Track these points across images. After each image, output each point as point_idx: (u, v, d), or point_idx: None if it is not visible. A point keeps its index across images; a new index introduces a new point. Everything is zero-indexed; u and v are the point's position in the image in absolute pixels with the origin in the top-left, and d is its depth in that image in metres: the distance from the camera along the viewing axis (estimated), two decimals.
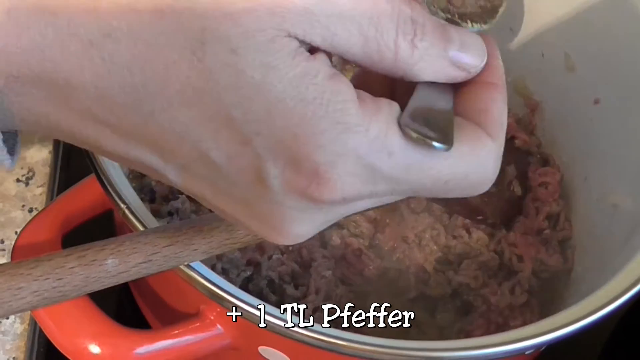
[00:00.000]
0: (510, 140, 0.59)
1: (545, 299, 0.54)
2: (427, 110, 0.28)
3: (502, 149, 0.30)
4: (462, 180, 0.29)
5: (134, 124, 0.27)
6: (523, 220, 0.56)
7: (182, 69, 0.26)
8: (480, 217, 0.55)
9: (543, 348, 0.46)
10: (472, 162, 0.29)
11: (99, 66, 0.26)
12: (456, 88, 0.30)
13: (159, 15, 0.26)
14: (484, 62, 0.30)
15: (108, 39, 0.26)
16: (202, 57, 0.26)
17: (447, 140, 0.27)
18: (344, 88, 0.27)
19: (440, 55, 0.28)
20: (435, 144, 0.27)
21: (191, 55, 0.26)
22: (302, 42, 0.26)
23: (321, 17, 0.26)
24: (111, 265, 0.30)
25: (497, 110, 0.30)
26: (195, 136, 0.27)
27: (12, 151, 0.29)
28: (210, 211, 0.31)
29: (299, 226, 0.29)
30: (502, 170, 0.56)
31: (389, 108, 0.28)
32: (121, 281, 0.31)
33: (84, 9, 0.26)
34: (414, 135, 0.27)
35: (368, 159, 0.27)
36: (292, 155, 0.27)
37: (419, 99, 0.28)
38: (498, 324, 0.52)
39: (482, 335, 0.49)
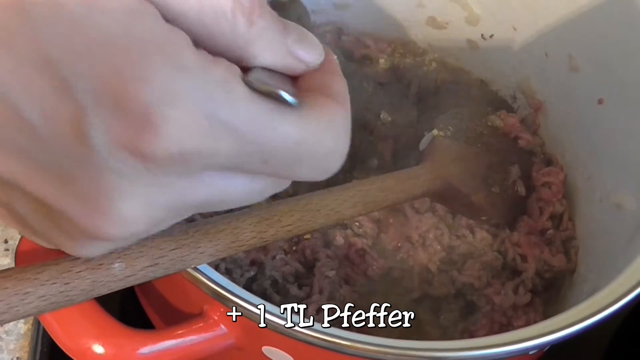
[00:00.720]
0: (513, 140, 0.59)
1: (549, 299, 0.54)
2: (272, 76, 0.27)
3: (350, 120, 0.29)
4: (315, 146, 0.27)
5: None
6: (527, 220, 0.57)
7: None
8: (484, 217, 0.55)
9: (547, 348, 0.46)
10: (324, 125, 0.27)
11: None
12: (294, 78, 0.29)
13: None
14: (323, 58, 0.29)
15: None
16: None
17: (296, 95, 0.26)
18: (180, 33, 0.25)
19: (279, 41, 0.27)
20: (285, 95, 0.26)
21: None
22: None
23: None
24: (118, 269, 0.30)
25: (340, 86, 0.29)
26: (4, 89, 0.23)
27: None
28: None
29: (129, 204, 0.25)
30: (506, 170, 0.57)
31: (230, 64, 0.26)
32: (128, 285, 0.31)
33: None
34: (263, 86, 0.26)
35: (207, 103, 0.24)
36: (118, 99, 0.23)
37: (257, 73, 0.27)
38: (502, 324, 0.52)
39: (485, 335, 0.49)
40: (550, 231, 0.57)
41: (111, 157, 0.24)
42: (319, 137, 0.27)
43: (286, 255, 0.52)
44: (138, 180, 0.25)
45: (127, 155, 0.24)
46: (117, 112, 0.23)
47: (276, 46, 0.27)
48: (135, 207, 0.25)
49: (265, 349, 0.42)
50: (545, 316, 0.52)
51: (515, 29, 0.61)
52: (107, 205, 0.25)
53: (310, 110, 0.27)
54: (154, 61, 0.24)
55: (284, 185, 0.30)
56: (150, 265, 0.31)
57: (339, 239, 0.53)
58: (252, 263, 0.51)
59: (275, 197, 0.51)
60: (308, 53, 0.28)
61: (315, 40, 0.29)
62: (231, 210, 0.33)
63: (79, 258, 0.29)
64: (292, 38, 0.28)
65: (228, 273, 0.50)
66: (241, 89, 0.25)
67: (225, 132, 0.25)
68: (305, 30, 0.29)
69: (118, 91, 0.23)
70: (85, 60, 0.23)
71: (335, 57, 0.30)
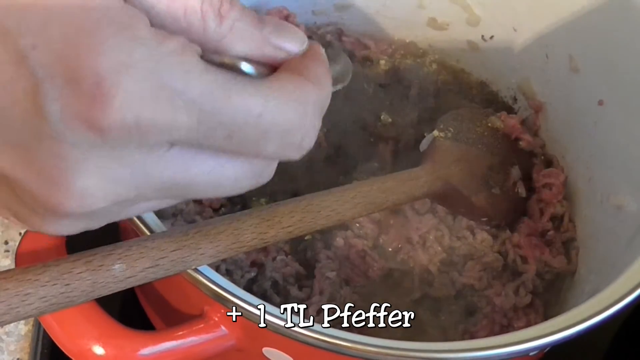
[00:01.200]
0: (514, 141, 0.59)
1: (549, 300, 0.54)
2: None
3: (326, 100, 0.29)
4: (277, 118, 0.27)
5: None
6: (527, 221, 0.57)
7: None
8: (484, 219, 0.55)
9: (547, 349, 0.46)
10: (287, 98, 0.27)
11: None
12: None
13: None
14: (305, 46, 0.30)
15: None
16: None
17: (258, 66, 0.26)
18: (137, 11, 0.25)
19: (252, 32, 0.28)
20: (243, 66, 0.26)
21: None
22: None
23: None
24: (118, 270, 0.30)
25: (319, 68, 0.29)
26: None
27: None
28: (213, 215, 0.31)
29: (85, 177, 0.25)
30: (506, 172, 0.57)
31: (187, 41, 0.26)
32: (128, 286, 0.31)
33: None
34: (219, 60, 0.26)
35: (160, 73, 0.24)
36: (72, 69, 0.24)
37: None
38: (502, 325, 0.52)
39: (486, 336, 0.49)
40: (551, 232, 0.56)
41: (66, 128, 0.24)
42: (282, 109, 0.27)
43: (287, 257, 0.52)
44: (94, 152, 0.25)
45: (81, 126, 0.24)
46: (71, 82, 0.24)
47: (250, 37, 0.28)
48: (92, 180, 0.25)
49: (266, 350, 0.42)
50: (546, 317, 0.52)
51: (515, 30, 0.61)
52: (63, 178, 0.25)
53: (274, 83, 0.27)
54: (108, 33, 0.24)
55: (261, 174, 0.29)
56: (151, 267, 0.31)
57: (340, 240, 0.53)
58: (253, 264, 0.51)
59: (275, 199, 0.51)
60: (288, 41, 0.29)
61: (297, 30, 0.29)
62: (231, 212, 0.33)
63: (79, 259, 0.30)
64: (269, 29, 0.28)
65: (228, 274, 0.50)
66: (195, 60, 0.25)
67: (181, 103, 0.25)
68: (284, 22, 0.29)
69: (72, 62, 0.24)
70: (41, 32, 0.24)
71: (322, 48, 0.30)
